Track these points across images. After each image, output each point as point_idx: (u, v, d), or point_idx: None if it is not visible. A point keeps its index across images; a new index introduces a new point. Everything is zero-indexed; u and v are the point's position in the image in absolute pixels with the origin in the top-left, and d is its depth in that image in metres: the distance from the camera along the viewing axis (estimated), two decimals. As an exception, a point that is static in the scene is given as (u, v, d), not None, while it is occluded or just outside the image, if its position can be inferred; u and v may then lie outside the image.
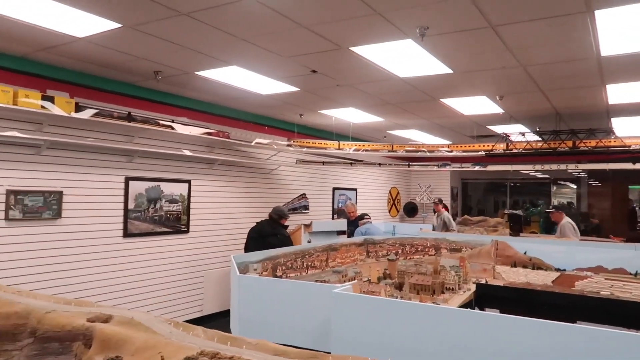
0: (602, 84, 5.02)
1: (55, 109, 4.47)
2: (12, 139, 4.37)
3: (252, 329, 2.46)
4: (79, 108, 4.78)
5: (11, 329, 1.69)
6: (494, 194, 16.61)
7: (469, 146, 6.92)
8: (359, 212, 7.56)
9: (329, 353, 1.30)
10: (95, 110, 4.82)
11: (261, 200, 7.38)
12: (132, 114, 5.29)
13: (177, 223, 6.02)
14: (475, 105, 6.26)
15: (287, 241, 5.69)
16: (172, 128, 5.53)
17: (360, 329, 2.08)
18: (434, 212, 9.39)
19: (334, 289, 2.13)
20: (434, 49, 4.08)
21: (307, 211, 8.41)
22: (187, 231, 6.16)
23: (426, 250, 5.31)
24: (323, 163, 7.89)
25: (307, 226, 6.74)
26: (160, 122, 5.50)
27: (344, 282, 4.12)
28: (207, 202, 6.47)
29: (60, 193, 4.77)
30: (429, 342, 2.07)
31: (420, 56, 4.25)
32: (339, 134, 8.47)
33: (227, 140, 6.38)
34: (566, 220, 7.22)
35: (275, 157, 7.51)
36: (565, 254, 4.60)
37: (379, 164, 8.06)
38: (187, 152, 5.94)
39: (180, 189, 6.08)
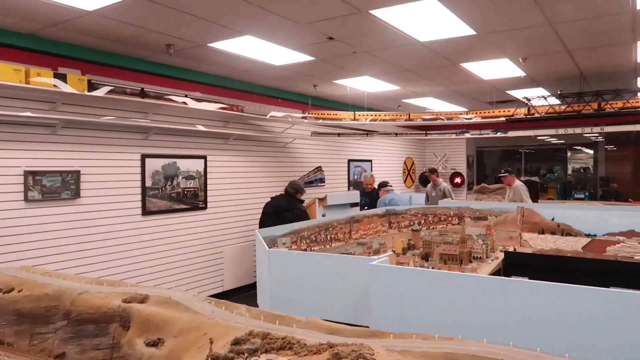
0: (634, 41, 4.79)
1: (67, 87, 4.37)
2: (27, 119, 4.29)
3: (285, 305, 2.39)
4: (91, 85, 4.68)
5: (43, 312, 1.63)
6: (509, 162, 16.38)
7: (489, 112, 6.73)
8: (376, 183, 7.44)
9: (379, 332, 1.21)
10: (110, 88, 4.72)
11: (277, 174, 7.29)
12: (145, 90, 5.18)
13: (194, 199, 5.96)
14: (496, 69, 6.05)
15: (304, 216, 5.58)
16: (186, 103, 5.42)
17: (400, 301, 2.00)
18: (427, 182, 8.91)
19: (372, 262, 2.05)
20: (458, 9, 3.89)
21: (322, 184, 8.32)
22: (205, 207, 6.11)
23: (449, 219, 5.20)
24: (338, 135, 7.75)
25: (322, 200, 6.58)
26: (174, 97, 5.39)
27: (369, 254, 4.04)
28: (224, 177, 6.39)
29: (78, 172, 4.72)
30: (470, 312, 1.99)
31: (443, 17, 4.05)
32: (353, 105, 8.30)
33: (241, 114, 6.26)
34: (518, 183, 7.58)
35: (290, 130, 7.39)
36: (595, 219, 4.48)
37: (396, 134, 7.90)
38: (201, 128, 5.84)
39: (196, 165, 6.00)
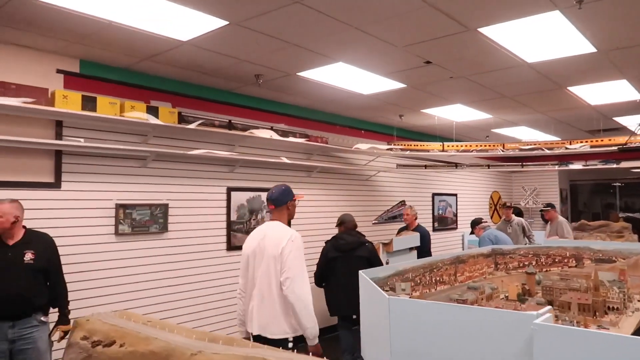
0: None
1: (159, 120, 4.33)
2: (120, 152, 4.27)
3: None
4: (181, 118, 4.64)
5: (149, 374, 1.35)
6: (601, 196, 15.06)
7: (599, 140, 6.05)
8: (466, 217, 6.85)
9: None
10: (201, 120, 4.67)
11: (360, 208, 6.95)
12: (232, 122, 5.09)
13: (278, 234, 5.71)
14: (608, 92, 5.43)
15: (375, 251, 4.61)
16: (273, 134, 5.27)
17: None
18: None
19: (534, 319, 1.63)
20: (583, 22, 3.44)
21: (407, 219, 7.85)
22: (289, 243, 5.84)
23: (565, 261, 4.57)
24: (425, 167, 7.33)
25: (386, 245, 5.45)
26: (260, 129, 5.26)
27: (482, 299, 3.55)
28: (307, 211, 6.13)
29: (166, 206, 4.63)
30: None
31: (562, 32, 3.62)
32: (440, 136, 7.87)
33: (325, 146, 6.04)
34: (561, 219, 7.05)
35: (374, 163, 7.06)
36: None
37: (488, 166, 7.34)
38: (285, 160, 5.65)
39: (280, 199, 5.78)
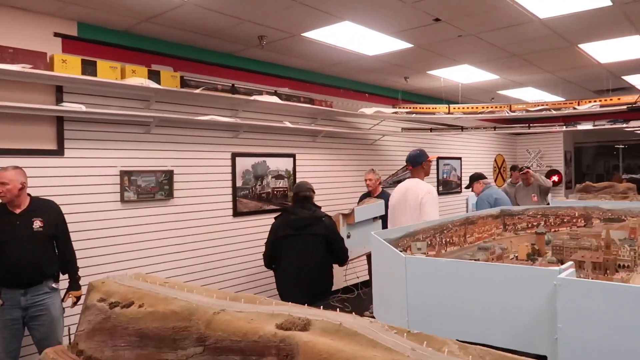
0: None
1: (161, 84, 4.23)
2: (122, 118, 4.19)
3: (426, 323, 1.98)
4: (183, 82, 4.53)
5: (171, 333, 1.31)
6: (604, 158, 14.99)
7: (608, 100, 5.93)
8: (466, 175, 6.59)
9: None
10: (204, 85, 4.56)
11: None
12: (235, 86, 4.98)
13: (284, 200, 5.69)
14: (620, 49, 5.29)
15: (333, 226, 4.12)
16: (276, 99, 5.16)
17: (594, 326, 1.54)
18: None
19: (558, 274, 1.59)
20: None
21: (412, 183, 7.80)
22: (295, 208, 5.82)
23: (574, 221, 4.54)
24: (430, 130, 7.23)
25: (347, 216, 4.64)
26: (264, 93, 5.15)
27: (492, 260, 3.53)
28: (312, 176, 6.07)
29: (171, 172, 4.57)
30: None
31: (578, -15, 3.47)
32: (445, 99, 7.74)
33: (330, 110, 5.93)
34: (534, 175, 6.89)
35: (379, 127, 6.97)
36: None
37: (494, 128, 7.25)
38: (289, 124, 5.55)
39: (285, 164, 5.73)
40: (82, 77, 3.80)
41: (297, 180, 4.51)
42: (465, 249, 3.80)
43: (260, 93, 5.11)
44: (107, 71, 3.98)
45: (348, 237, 4.57)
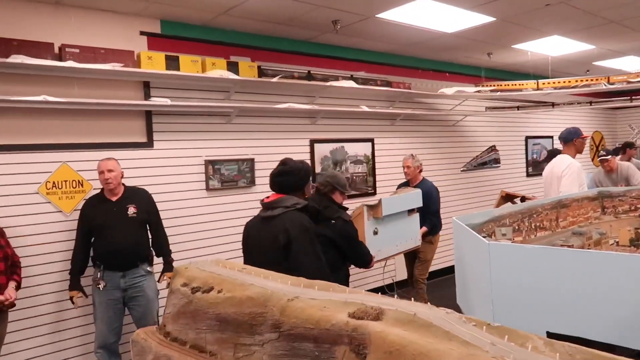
0: None
1: (239, 75, 4.34)
2: (204, 109, 4.36)
3: (512, 314, 1.87)
4: (261, 72, 4.61)
5: (247, 319, 1.33)
6: None
7: None
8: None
9: None
10: (281, 73, 4.63)
11: (446, 155, 6.67)
12: (311, 72, 4.99)
13: (363, 185, 5.66)
14: None
15: (347, 230, 3.17)
16: (353, 84, 5.11)
17: None
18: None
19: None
20: None
21: (497, 165, 7.44)
22: (374, 193, 5.77)
23: (685, 203, 4.08)
24: (518, 108, 6.80)
25: (373, 208, 3.86)
26: (340, 78, 5.12)
27: (589, 246, 3.27)
28: (391, 161, 5.97)
29: (252, 160, 4.70)
30: None
31: None
32: (533, 75, 7.25)
33: (408, 91, 5.78)
34: (624, 164, 5.86)
35: (460, 107, 6.68)
36: None
37: (590, 103, 6.67)
38: (366, 108, 5.48)
39: (364, 149, 5.68)
40: (166, 72, 4.00)
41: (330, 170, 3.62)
42: (557, 234, 3.56)
43: (336, 78, 5.09)
44: (189, 65, 4.15)
45: (375, 233, 3.86)
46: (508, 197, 5.25)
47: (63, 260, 3.66)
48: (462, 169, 6.92)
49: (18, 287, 3.17)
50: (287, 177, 2.58)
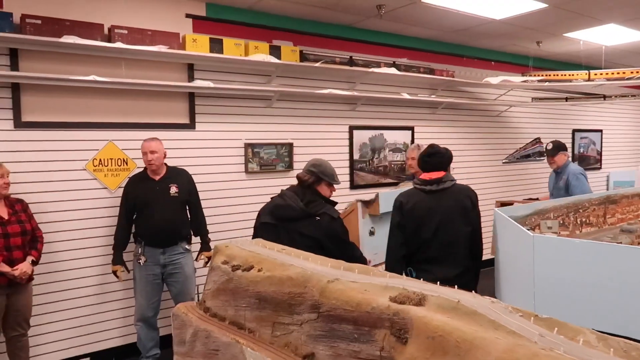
0: None
1: (281, 59, 4.34)
2: (245, 93, 4.39)
3: (554, 308, 1.82)
4: (303, 56, 4.60)
5: (287, 298, 1.34)
6: None
7: None
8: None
9: None
10: (323, 58, 4.61)
11: (489, 147, 6.50)
12: (353, 58, 4.94)
13: (401, 174, 5.59)
14: None
15: (334, 228, 2.68)
16: (395, 70, 5.03)
17: None
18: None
19: None
20: None
21: (542, 158, 7.19)
22: (412, 182, 5.69)
23: None
24: (566, 99, 6.55)
25: (369, 204, 3.43)
26: (382, 64, 5.05)
27: (639, 244, 3.13)
28: (431, 150, 5.87)
29: (291, 145, 4.72)
30: None
31: None
32: (585, 65, 6.95)
33: (451, 80, 5.65)
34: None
35: (505, 97, 6.49)
36: None
37: (645, 95, 6.35)
38: (407, 96, 5.39)
39: (403, 137, 5.61)
40: (210, 54, 4.04)
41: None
42: (604, 230, 3.43)
43: (378, 65, 5.02)
44: (232, 48, 4.18)
45: (371, 233, 3.49)
46: (504, 205, 4.95)
47: (106, 235, 3.79)
48: (504, 161, 6.74)
49: (35, 263, 3.26)
50: (440, 157, 2.88)
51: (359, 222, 3.40)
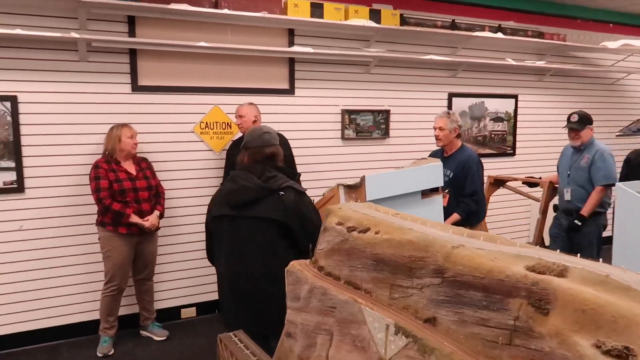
0: None
1: (381, 23, 4.24)
2: (344, 58, 4.36)
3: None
4: (403, 20, 4.46)
5: (407, 262, 1.33)
6: None
7: None
8: None
9: None
10: (424, 22, 4.46)
11: (601, 117, 5.97)
12: (455, 21, 4.71)
13: (502, 144, 5.33)
14: None
15: (302, 208, 2.26)
16: (500, 35, 4.73)
17: None
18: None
19: None
20: None
21: (664, 132, 6.50)
22: (513, 154, 5.41)
23: None
24: (698, 66, 5.82)
25: (353, 189, 2.77)
26: (486, 28, 4.77)
27: None
28: (536, 120, 5.52)
29: (388, 112, 4.65)
30: None
31: None
32: None
33: (562, 44, 5.21)
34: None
35: (624, 63, 5.89)
36: None
37: None
38: (512, 62, 5.06)
39: (505, 106, 5.31)
40: (310, 19, 4.04)
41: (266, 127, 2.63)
42: None
43: (482, 28, 4.75)
44: (332, 13, 4.15)
45: None
46: (498, 183, 4.54)
47: (211, 196, 4.00)
48: (617, 134, 6.17)
49: (161, 216, 3.61)
50: None
51: None
